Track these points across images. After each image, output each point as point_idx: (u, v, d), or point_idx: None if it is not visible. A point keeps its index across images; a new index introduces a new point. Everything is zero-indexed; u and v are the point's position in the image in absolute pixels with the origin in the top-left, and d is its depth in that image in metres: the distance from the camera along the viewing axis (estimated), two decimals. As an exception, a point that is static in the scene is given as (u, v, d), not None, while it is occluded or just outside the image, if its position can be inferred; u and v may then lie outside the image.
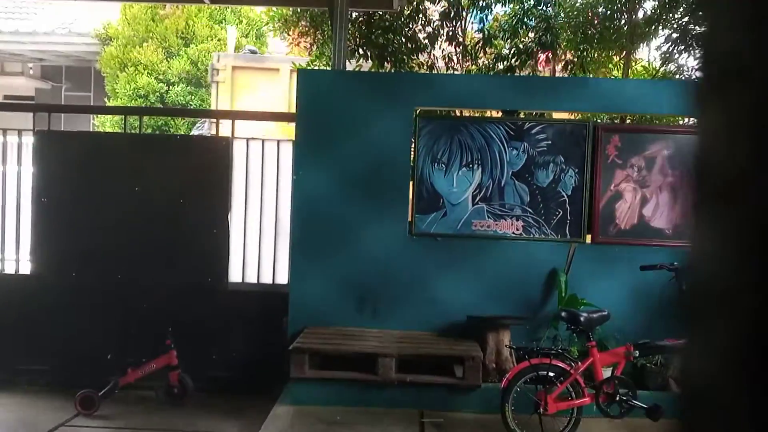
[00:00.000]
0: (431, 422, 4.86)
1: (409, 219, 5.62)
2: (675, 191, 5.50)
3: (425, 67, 8.23)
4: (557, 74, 8.51)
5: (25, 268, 6.17)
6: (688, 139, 5.46)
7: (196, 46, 13.07)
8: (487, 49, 8.10)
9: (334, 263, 5.57)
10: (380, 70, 7.83)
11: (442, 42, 8.14)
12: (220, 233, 6.00)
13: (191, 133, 11.54)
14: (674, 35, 7.93)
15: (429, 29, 8.13)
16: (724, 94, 0.68)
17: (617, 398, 4.54)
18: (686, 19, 7.88)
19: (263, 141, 6.22)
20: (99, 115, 13.55)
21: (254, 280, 6.17)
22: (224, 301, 5.96)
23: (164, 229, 5.99)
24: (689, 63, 7.91)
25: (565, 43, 8.32)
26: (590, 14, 8.07)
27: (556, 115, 6.67)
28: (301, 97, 5.64)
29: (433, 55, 8.27)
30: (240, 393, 5.75)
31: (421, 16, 8.14)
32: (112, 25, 13.79)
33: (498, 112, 6.12)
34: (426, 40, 8.08)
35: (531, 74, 8.16)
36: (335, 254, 5.56)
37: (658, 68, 8.23)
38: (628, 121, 7.01)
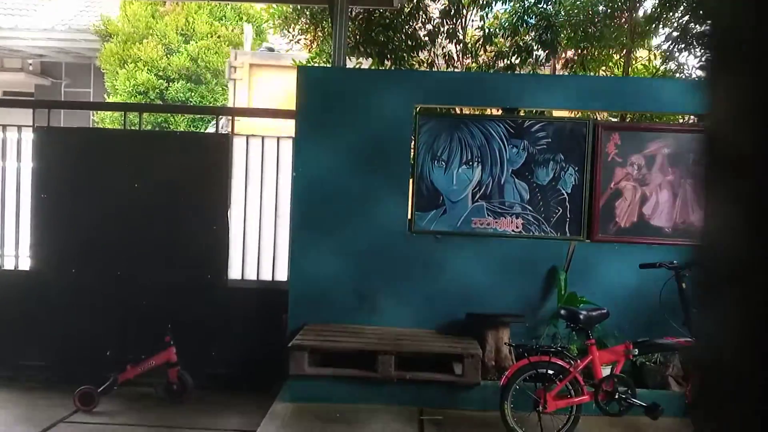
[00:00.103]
0: (430, 420, 4.86)
1: (409, 216, 5.62)
2: (675, 188, 5.50)
3: (425, 64, 8.23)
4: (557, 72, 8.50)
5: (25, 265, 6.17)
6: (688, 137, 5.47)
7: (196, 42, 13.05)
8: (487, 46, 8.09)
9: (334, 260, 5.57)
10: (380, 68, 7.82)
11: (442, 39, 8.13)
12: (219, 230, 5.99)
13: (207, 131, 11.53)
14: (674, 34, 7.92)
15: (429, 27, 8.11)
16: (733, 72, 0.68)
17: (616, 396, 4.54)
18: (686, 17, 7.87)
19: (263, 138, 6.22)
20: (99, 112, 13.54)
21: (254, 277, 6.17)
22: (224, 298, 5.96)
23: (164, 225, 5.99)
24: (689, 61, 7.91)
25: (565, 42, 8.31)
26: (590, 12, 8.06)
27: (556, 113, 6.67)
28: (301, 94, 5.63)
29: (434, 53, 8.26)
30: (239, 390, 5.75)
31: (421, 13, 8.13)
32: (112, 21, 13.77)
33: (498, 110, 6.11)
34: (426, 38, 8.07)
35: (532, 72, 8.15)
36: (335, 251, 5.56)
37: (658, 66, 8.22)
38: (627, 119, 7.01)
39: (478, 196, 5.57)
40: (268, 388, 5.43)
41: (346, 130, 5.56)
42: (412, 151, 5.64)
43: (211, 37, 13.18)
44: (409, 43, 8.06)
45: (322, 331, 5.35)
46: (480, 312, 5.41)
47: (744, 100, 0.68)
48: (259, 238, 6.17)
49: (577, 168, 5.54)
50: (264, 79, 12.11)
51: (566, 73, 8.22)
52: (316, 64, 8.55)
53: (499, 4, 8.25)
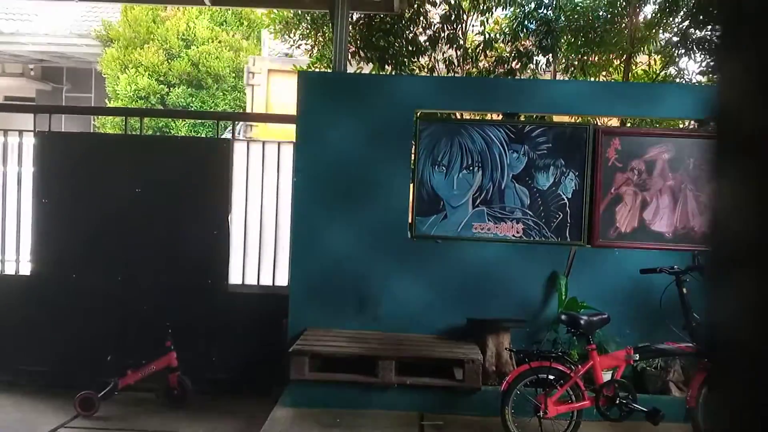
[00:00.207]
0: (431, 425, 4.85)
1: (410, 221, 5.62)
2: (676, 194, 5.50)
3: (426, 69, 8.24)
4: (558, 77, 8.51)
5: (26, 269, 6.18)
6: (689, 143, 5.48)
7: (197, 47, 13.07)
8: (487, 52, 8.10)
9: (335, 265, 5.57)
10: (381, 73, 7.83)
11: (442, 45, 8.14)
12: (220, 235, 6.00)
13: (222, 137, 11.57)
14: (674, 39, 7.94)
15: (430, 32, 8.12)
16: (741, 49, 0.68)
17: (617, 401, 4.53)
18: (686, 23, 7.89)
19: (263, 143, 6.23)
20: (100, 117, 13.55)
21: (254, 282, 6.17)
22: (224, 302, 5.96)
23: (164, 230, 5.99)
24: (690, 66, 7.92)
25: (565, 47, 8.33)
26: (591, 18, 8.07)
27: (557, 118, 6.67)
28: (302, 99, 5.64)
29: (434, 58, 8.27)
30: (240, 395, 5.75)
31: (421, 18, 8.14)
32: (113, 26, 13.80)
33: (498, 115, 6.12)
34: (427, 43, 8.08)
35: (532, 77, 8.16)
36: (336, 256, 5.56)
37: (658, 72, 8.23)
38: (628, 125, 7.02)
39: (478, 201, 5.57)
40: (269, 393, 5.43)
41: (346, 135, 5.57)
42: (413, 156, 5.64)
43: (212, 42, 13.20)
44: (410, 48, 8.07)
45: (322, 336, 5.35)
46: (481, 317, 5.41)
47: (753, 77, 0.68)
48: (259, 243, 6.18)
49: (577, 173, 5.54)
50: (282, 84, 12.13)
51: (566, 78, 8.22)
52: (317, 69, 8.56)
53: (500, 9, 8.26)
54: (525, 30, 8.11)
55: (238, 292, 6.04)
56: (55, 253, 6.05)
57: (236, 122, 6.58)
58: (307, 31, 8.77)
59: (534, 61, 8.06)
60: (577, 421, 4.51)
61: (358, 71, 8.11)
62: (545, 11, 8.06)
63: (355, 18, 7.86)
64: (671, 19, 7.98)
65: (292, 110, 5.76)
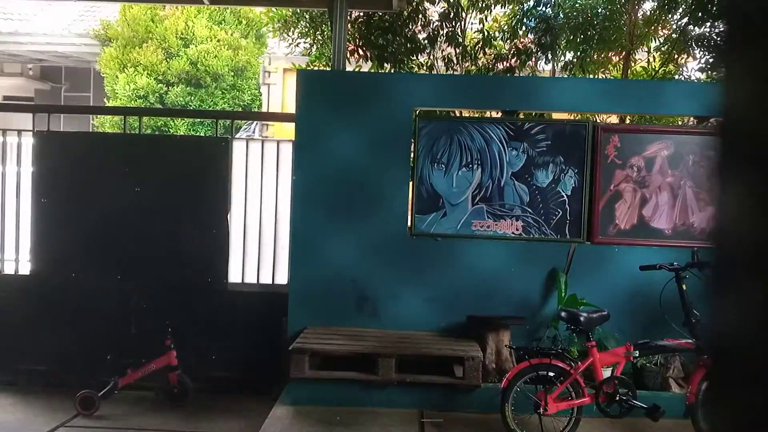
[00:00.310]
0: (431, 422, 4.86)
1: (409, 219, 5.62)
2: (675, 190, 5.50)
3: (425, 67, 8.23)
4: (557, 75, 8.51)
5: (25, 269, 6.18)
6: (688, 139, 5.48)
7: (196, 46, 13.05)
8: (486, 49, 8.10)
9: (334, 263, 5.57)
10: (380, 71, 7.83)
11: (441, 42, 8.14)
12: (219, 233, 6.00)
13: (238, 135, 11.57)
14: (673, 36, 7.94)
15: (428, 30, 8.12)
16: (749, 52, 0.68)
17: (617, 398, 4.54)
18: (685, 20, 7.88)
19: (263, 141, 6.24)
20: (98, 116, 13.54)
21: (254, 281, 6.17)
22: (224, 301, 5.96)
23: (164, 229, 5.99)
24: (688, 64, 7.91)
25: (564, 44, 8.32)
26: (589, 15, 8.07)
27: (556, 116, 6.67)
28: (301, 97, 5.64)
29: (433, 56, 8.27)
30: (240, 393, 5.75)
31: (420, 16, 8.13)
32: (112, 25, 13.78)
33: (497, 112, 6.12)
34: (425, 41, 8.08)
35: (531, 75, 8.16)
36: (335, 254, 5.56)
37: (657, 68, 8.23)
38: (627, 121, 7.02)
39: (478, 198, 5.57)
40: (269, 392, 5.44)
41: (345, 134, 5.57)
42: (412, 153, 5.64)
43: (211, 41, 13.19)
44: (409, 46, 8.06)
45: (322, 334, 5.35)
46: (480, 314, 5.41)
47: (759, 80, 0.67)
48: (259, 242, 6.18)
49: (576, 170, 5.54)
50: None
51: (565, 76, 8.22)
52: (316, 68, 8.55)
53: (499, 6, 8.25)
54: (524, 27, 8.11)
55: (238, 291, 6.04)
56: (54, 253, 6.05)
57: (234, 121, 6.56)
58: (306, 29, 8.77)
59: (533, 59, 8.06)
60: (577, 418, 4.52)
61: (357, 69, 8.10)
62: (544, 8, 8.06)
63: (353, 16, 7.86)
64: (670, 16, 7.98)
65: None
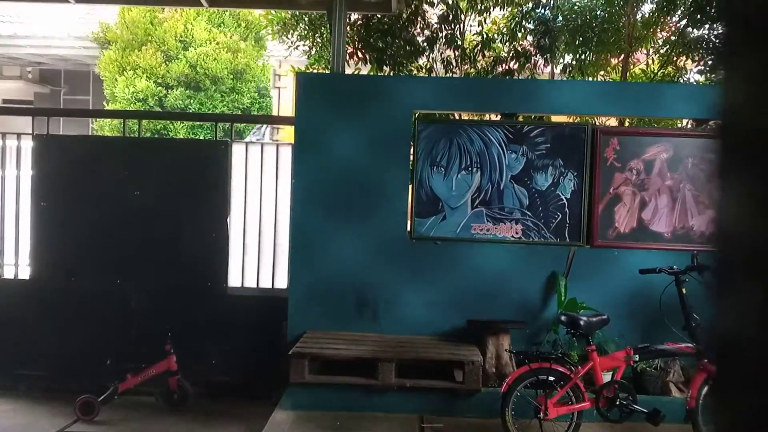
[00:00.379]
0: (431, 427, 4.85)
1: (409, 223, 5.62)
2: (675, 193, 5.50)
3: (424, 70, 8.23)
4: (556, 77, 8.51)
5: (25, 273, 6.17)
6: (687, 142, 5.47)
7: (195, 49, 13.05)
8: (485, 52, 8.10)
9: (334, 267, 5.56)
10: (379, 74, 7.82)
11: (440, 45, 8.14)
12: (219, 237, 5.99)
13: (248, 139, 11.57)
14: (672, 38, 7.94)
15: (427, 32, 8.12)
16: (747, 53, 0.67)
17: (617, 402, 4.53)
18: (684, 21, 7.89)
19: (262, 144, 6.23)
20: (98, 119, 13.54)
21: (253, 285, 6.16)
22: (223, 305, 5.95)
23: (163, 233, 5.98)
24: (687, 66, 7.92)
25: (563, 47, 8.32)
26: (588, 17, 8.07)
27: (555, 119, 6.67)
28: (300, 100, 5.64)
29: (432, 59, 8.27)
30: (240, 398, 5.75)
31: (419, 19, 8.13)
32: (111, 28, 13.78)
33: (497, 116, 6.12)
34: (425, 44, 8.08)
35: (530, 77, 8.16)
36: (334, 258, 5.56)
37: (656, 71, 8.23)
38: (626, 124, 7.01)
39: (477, 201, 5.57)
40: (269, 396, 5.43)
41: (345, 137, 5.56)
42: (411, 157, 5.64)
43: (210, 43, 13.18)
44: (408, 48, 8.06)
45: (322, 339, 5.35)
46: (480, 318, 5.41)
47: (758, 82, 0.67)
48: (258, 246, 6.17)
49: (576, 173, 5.54)
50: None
51: (564, 78, 8.22)
52: (315, 71, 8.55)
53: (498, 9, 8.26)
54: (523, 30, 8.11)
55: (238, 295, 6.03)
56: (54, 257, 6.04)
57: (234, 123, 6.55)
58: (305, 32, 8.76)
59: (532, 61, 8.05)
60: (578, 423, 4.51)
61: (356, 72, 8.10)
62: (543, 11, 8.05)
63: (352, 19, 7.86)
64: (669, 18, 7.98)
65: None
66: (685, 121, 6.69)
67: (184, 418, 5.41)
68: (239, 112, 12.87)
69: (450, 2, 7.97)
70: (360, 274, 5.55)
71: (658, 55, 8.30)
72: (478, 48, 8.05)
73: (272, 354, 5.61)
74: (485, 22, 8.24)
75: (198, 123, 12.48)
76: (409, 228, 5.62)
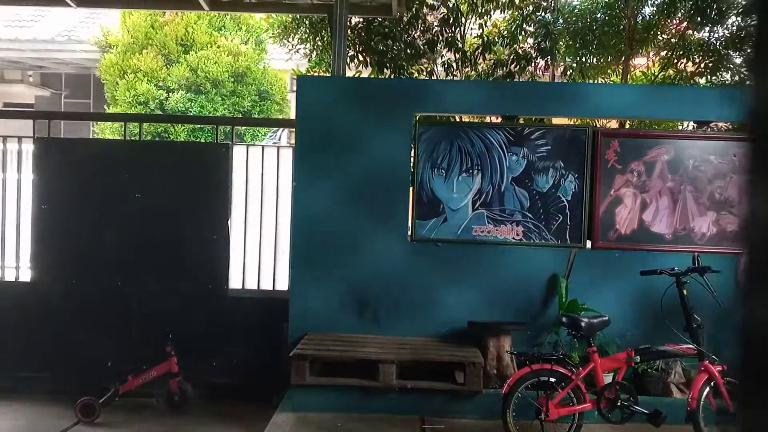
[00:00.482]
0: (432, 429, 4.84)
1: (410, 224, 5.62)
2: (675, 195, 5.50)
3: (424, 73, 8.24)
4: (556, 80, 8.52)
5: (26, 276, 6.17)
6: (688, 144, 5.48)
7: (196, 53, 13.06)
8: (486, 55, 8.11)
9: (335, 269, 5.56)
10: (379, 77, 7.84)
11: (441, 48, 8.15)
12: (220, 240, 5.99)
13: (264, 142, 11.58)
14: (673, 41, 7.95)
15: (428, 35, 8.14)
16: None
17: (618, 404, 4.53)
18: (685, 24, 7.90)
19: (263, 147, 6.24)
20: (99, 122, 13.55)
21: (254, 287, 6.17)
22: (224, 307, 5.95)
23: (164, 235, 5.99)
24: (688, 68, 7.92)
25: (564, 49, 8.34)
26: (589, 20, 8.08)
27: (556, 121, 6.68)
28: (301, 103, 5.65)
29: (433, 61, 8.28)
30: (240, 400, 5.74)
31: (420, 22, 8.15)
32: (112, 32, 13.79)
33: (497, 118, 6.13)
34: (425, 46, 8.09)
35: (531, 80, 8.17)
36: (335, 260, 5.56)
37: (657, 73, 8.24)
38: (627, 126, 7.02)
39: (478, 203, 5.57)
40: (270, 398, 5.42)
41: (345, 139, 5.57)
42: (412, 159, 5.64)
43: (211, 47, 13.20)
44: (408, 51, 8.08)
45: (323, 341, 5.35)
46: (481, 320, 5.41)
47: None
48: (259, 248, 6.17)
49: (576, 175, 5.54)
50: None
51: (565, 81, 8.23)
52: (316, 74, 8.57)
53: (498, 12, 8.27)
54: (523, 33, 8.12)
55: (239, 297, 6.03)
56: (55, 260, 6.04)
57: (234, 126, 6.56)
58: (306, 35, 8.78)
59: (532, 64, 8.07)
60: (579, 424, 4.51)
61: (357, 75, 8.11)
62: (543, 14, 8.07)
63: (353, 22, 7.87)
64: (670, 20, 7.99)
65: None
66: (686, 123, 6.69)
67: (185, 420, 5.41)
68: (240, 115, 12.87)
69: (450, 5, 7.99)
70: (361, 276, 5.55)
71: (658, 57, 8.31)
72: (479, 51, 8.06)
73: (273, 356, 5.61)
74: (486, 25, 8.26)
75: (199, 126, 12.48)
76: (410, 230, 5.63)
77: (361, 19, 7.94)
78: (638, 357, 4.61)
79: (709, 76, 7.65)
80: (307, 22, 8.64)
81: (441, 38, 8.04)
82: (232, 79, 13.16)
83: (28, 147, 6.17)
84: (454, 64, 8.13)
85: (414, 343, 5.38)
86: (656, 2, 7.97)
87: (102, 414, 5.31)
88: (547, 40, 7.82)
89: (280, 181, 6.12)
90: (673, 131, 6.31)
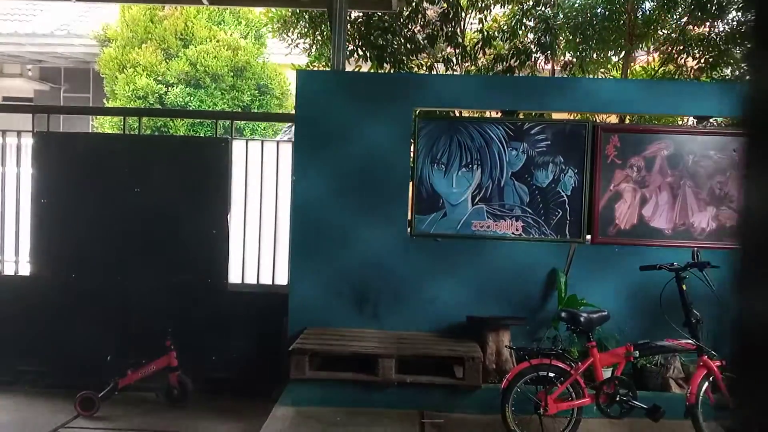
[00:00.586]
0: (432, 423, 4.85)
1: (409, 219, 5.62)
2: (675, 190, 5.50)
3: (424, 67, 8.23)
4: (556, 75, 8.51)
5: (25, 270, 6.17)
6: (688, 139, 5.48)
7: (195, 47, 13.03)
8: (486, 49, 8.10)
9: (334, 264, 5.57)
10: (379, 71, 7.82)
11: (441, 43, 8.14)
12: (219, 234, 5.99)
13: (278, 137, 11.55)
14: (673, 36, 7.94)
15: (428, 30, 8.12)
16: None
17: (617, 399, 4.53)
18: (685, 19, 7.89)
19: (262, 142, 6.24)
20: (98, 117, 13.53)
21: (254, 281, 6.17)
22: (224, 302, 5.96)
23: (164, 230, 5.99)
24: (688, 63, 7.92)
25: (564, 44, 8.32)
26: (589, 15, 8.07)
27: (555, 116, 6.67)
28: (301, 98, 5.64)
29: (432, 56, 8.27)
30: (240, 394, 5.75)
31: (419, 16, 8.13)
32: (111, 26, 13.76)
33: (497, 113, 6.12)
34: (425, 41, 8.08)
35: (530, 75, 8.16)
36: (335, 255, 5.56)
37: (657, 68, 8.23)
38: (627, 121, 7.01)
39: (477, 198, 5.57)
40: (269, 392, 5.43)
41: (345, 134, 5.56)
42: (412, 154, 5.64)
43: (210, 41, 13.17)
44: (408, 46, 8.06)
45: (322, 335, 5.35)
46: (480, 315, 5.41)
47: None
48: (259, 242, 6.17)
49: (576, 170, 5.54)
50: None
51: (565, 76, 8.22)
52: (315, 68, 8.56)
53: (498, 6, 8.26)
54: (523, 27, 8.11)
55: (238, 291, 6.03)
56: (54, 254, 6.04)
57: (234, 121, 6.55)
58: (306, 29, 8.77)
59: (532, 59, 8.05)
60: (578, 419, 4.52)
61: (356, 70, 8.10)
62: (543, 8, 8.06)
63: (353, 16, 7.86)
64: (669, 15, 7.98)
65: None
66: (686, 119, 6.69)
67: (185, 414, 5.42)
68: (239, 110, 12.86)
69: (450, 0, 7.97)
70: (361, 271, 5.55)
71: (658, 52, 8.30)
72: (479, 45, 8.05)
73: (273, 350, 5.61)
74: (486, 20, 8.24)
75: (198, 120, 12.47)
76: (409, 225, 5.62)
77: (361, 14, 7.92)
78: (637, 352, 4.62)
79: (709, 72, 7.64)
80: (306, 17, 8.63)
81: (441, 33, 8.03)
82: (232, 74, 13.14)
83: (28, 141, 6.16)
84: (454, 59, 8.12)
85: (413, 337, 5.38)
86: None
87: (101, 408, 5.31)
88: (547, 35, 7.81)
89: (280, 175, 6.11)
90: (673, 126, 6.31)
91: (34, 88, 16.45)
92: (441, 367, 5.11)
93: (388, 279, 5.55)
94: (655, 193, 5.52)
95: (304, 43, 9.02)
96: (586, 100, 5.61)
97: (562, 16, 8.13)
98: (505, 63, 8.01)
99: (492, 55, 8.18)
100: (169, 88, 12.88)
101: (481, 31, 8.08)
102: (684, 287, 4.63)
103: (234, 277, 6.10)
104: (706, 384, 4.43)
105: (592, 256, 5.50)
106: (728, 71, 7.74)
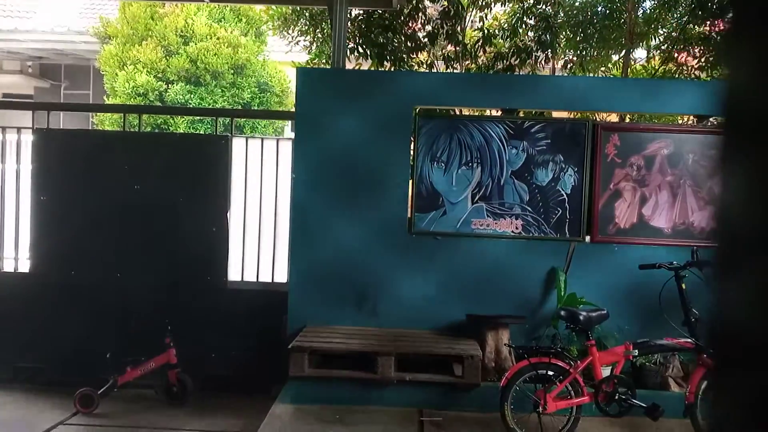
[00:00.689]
0: (430, 421, 4.86)
1: (409, 217, 5.62)
2: (675, 189, 5.50)
3: (425, 65, 8.23)
4: (557, 73, 8.50)
5: (24, 267, 6.17)
6: (688, 138, 5.48)
7: (195, 44, 13.02)
8: (486, 48, 8.10)
9: (333, 262, 5.57)
10: (380, 69, 7.82)
11: (441, 41, 8.13)
12: (219, 232, 5.99)
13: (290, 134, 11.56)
14: (673, 34, 7.93)
15: (428, 28, 8.12)
16: (753, 37, 0.66)
17: (616, 397, 4.54)
18: (685, 18, 7.88)
19: (262, 139, 6.24)
20: (98, 114, 13.53)
21: (253, 279, 6.17)
22: (223, 299, 5.95)
23: (163, 227, 5.98)
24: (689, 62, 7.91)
25: (564, 43, 8.32)
26: (589, 13, 8.07)
27: (556, 114, 6.66)
28: (301, 95, 5.64)
29: (433, 54, 8.26)
30: (239, 392, 5.75)
31: (420, 14, 8.13)
32: (111, 23, 13.76)
33: (497, 111, 6.12)
34: (425, 39, 8.07)
35: (531, 73, 8.15)
36: (334, 252, 5.56)
37: (657, 67, 8.23)
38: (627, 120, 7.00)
39: (477, 197, 5.57)
40: (268, 390, 5.43)
41: (345, 132, 5.56)
42: (412, 152, 5.64)
43: (211, 38, 13.16)
44: (409, 44, 8.06)
45: (321, 333, 5.35)
46: (480, 313, 5.41)
47: (763, 65, 0.66)
48: (258, 240, 6.17)
49: (576, 169, 5.54)
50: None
51: (565, 74, 8.22)
52: (316, 66, 8.55)
53: (499, 5, 8.25)
54: (524, 26, 8.10)
55: (237, 289, 6.03)
56: (53, 251, 6.04)
57: (234, 118, 6.55)
58: (306, 27, 8.76)
59: (533, 57, 8.05)
60: (577, 417, 4.52)
61: (357, 67, 8.10)
62: (544, 7, 8.05)
63: (353, 14, 7.85)
64: (670, 14, 7.97)
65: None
66: (686, 117, 6.69)
67: (184, 412, 5.42)
68: (239, 107, 12.85)
69: (451, -2, 7.97)
70: (360, 269, 5.56)
71: (659, 51, 8.30)
72: (479, 44, 8.05)
73: (272, 348, 5.61)
74: (486, 18, 8.24)
75: (198, 118, 12.46)
76: (409, 223, 5.62)
77: (362, 11, 7.92)
78: (636, 351, 4.62)
79: (710, 71, 7.64)
80: (307, 14, 8.62)
81: (441, 31, 8.02)
82: (232, 71, 13.13)
83: (28, 138, 6.16)
84: (454, 57, 8.11)
85: (412, 335, 5.39)
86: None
87: (100, 405, 5.31)
88: (547, 34, 7.80)
89: (280, 173, 6.11)
90: (673, 125, 6.31)
91: (34, 85, 16.44)
92: (440, 365, 5.11)
93: (387, 277, 5.55)
94: (654, 192, 5.52)
95: (304, 40, 9.02)
96: (586, 98, 5.61)
97: (562, 15, 8.13)
98: (505, 61, 8.01)
99: (492, 54, 8.17)
100: (169, 85, 12.88)
101: (481, 29, 8.08)
102: (683, 286, 4.63)
103: (233, 274, 6.10)
104: (706, 383, 4.43)
105: (592, 255, 5.50)
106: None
